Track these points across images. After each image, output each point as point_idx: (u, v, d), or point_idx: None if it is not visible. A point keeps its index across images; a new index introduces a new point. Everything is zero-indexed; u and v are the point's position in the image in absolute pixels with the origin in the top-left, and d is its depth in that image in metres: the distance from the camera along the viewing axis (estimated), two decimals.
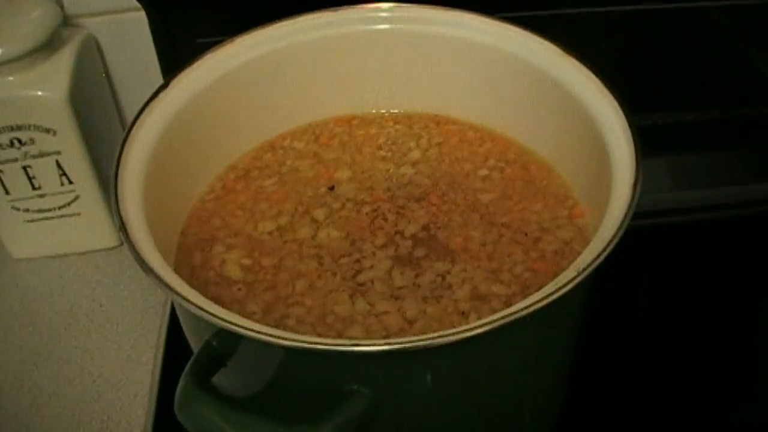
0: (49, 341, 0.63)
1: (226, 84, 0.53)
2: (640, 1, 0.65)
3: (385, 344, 0.35)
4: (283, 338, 0.36)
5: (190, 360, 0.39)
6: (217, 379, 0.39)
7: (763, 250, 0.66)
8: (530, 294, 0.45)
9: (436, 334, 0.35)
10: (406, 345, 0.35)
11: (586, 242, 0.48)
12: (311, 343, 0.36)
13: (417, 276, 0.47)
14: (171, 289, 0.38)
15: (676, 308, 0.63)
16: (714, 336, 0.61)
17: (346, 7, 0.55)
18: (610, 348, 0.58)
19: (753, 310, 0.63)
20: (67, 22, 0.65)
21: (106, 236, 0.68)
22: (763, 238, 0.67)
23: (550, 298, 0.37)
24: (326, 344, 0.36)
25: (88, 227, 0.67)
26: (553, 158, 0.53)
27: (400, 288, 0.46)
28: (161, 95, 0.50)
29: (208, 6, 0.63)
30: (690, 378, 0.58)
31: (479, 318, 0.44)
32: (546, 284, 0.45)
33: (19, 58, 0.60)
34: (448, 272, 0.47)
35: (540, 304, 0.37)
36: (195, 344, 0.44)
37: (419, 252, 0.48)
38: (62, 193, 0.65)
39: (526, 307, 0.37)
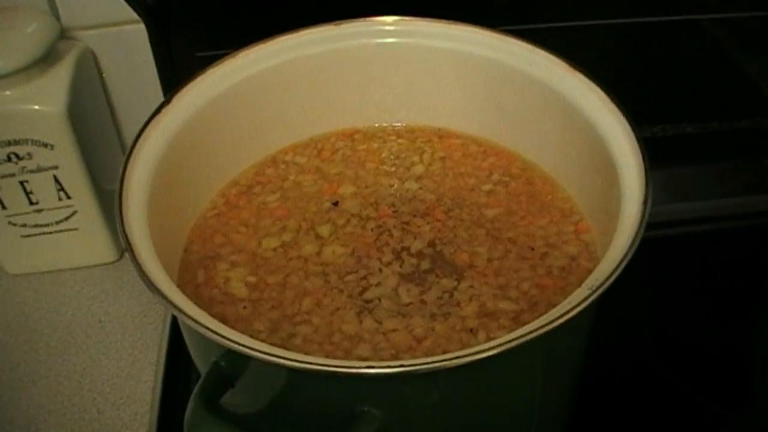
0: (47, 358, 0.62)
1: (228, 99, 0.53)
2: (638, 14, 0.65)
3: (400, 366, 0.35)
4: (295, 360, 0.35)
5: (198, 382, 0.38)
6: (225, 400, 0.39)
7: (761, 261, 0.66)
8: (538, 310, 0.45)
9: (451, 355, 0.35)
10: (421, 367, 0.35)
11: (592, 257, 0.48)
12: (324, 365, 0.35)
13: (424, 293, 0.47)
14: (180, 310, 0.38)
15: (673, 320, 0.63)
16: (712, 346, 0.61)
17: (349, 20, 0.54)
18: (610, 356, 0.58)
19: (751, 321, 0.63)
20: (63, 35, 0.64)
21: (104, 251, 0.68)
22: (762, 250, 0.67)
23: (563, 318, 0.37)
24: (340, 366, 0.35)
25: (86, 242, 0.67)
26: (558, 172, 0.53)
27: (407, 305, 0.46)
28: (164, 111, 0.49)
29: (208, 19, 0.63)
30: (688, 387, 0.58)
31: (488, 335, 0.44)
32: (554, 300, 0.46)
33: (15, 72, 0.59)
34: (456, 288, 0.47)
35: (553, 325, 0.36)
36: (201, 365, 0.43)
37: (426, 268, 0.48)
38: (60, 207, 0.64)
39: (539, 328, 0.36)
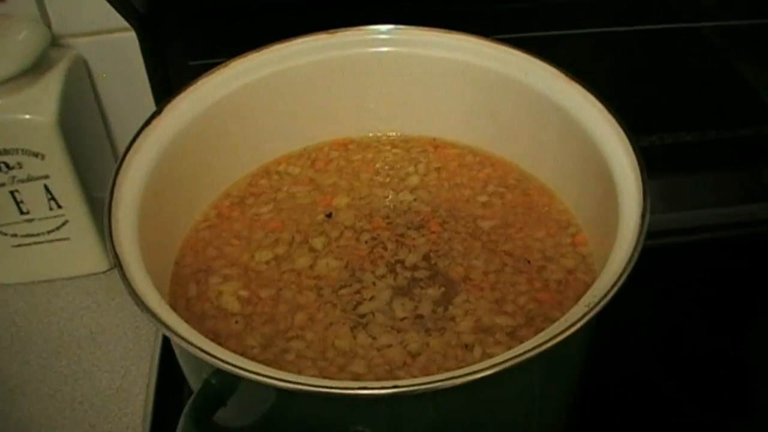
0: (38, 369, 0.61)
1: (221, 109, 0.52)
2: (636, 23, 0.65)
3: (394, 387, 0.34)
4: (287, 381, 0.35)
5: (189, 400, 0.37)
6: (217, 417, 0.38)
7: (761, 270, 0.66)
8: (535, 325, 0.45)
9: (446, 375, 0.35)
10: (415, 388, 0.34)
11: (589, 270, 0.48)
12: (316, 386, 0.35)
13: (418, 307, 0.46)
14: (170, 329, 0.37)
15: (672, 329, 0.62)
16: (710, 355, 0.60)
17: (343, 29, 0.54)
18: (607, 365, 0.57)
19: (750, 330, 0.63)
20: (55, 42, 0.63)
21: (96, 261, 0.67)
22: (761, 259, 0.67)
23: (561, 336, 0.36)
24: (332, 387, 0.35)
25: (77, 252, 0.66)
26: (555, 183, 0.53)
27: (401, 319, 0.46)
28: (155, 122, 0.49)
29: (201, 28, 0.62)
30: (688, 396, 0.57)
31: (484, 351, 0.44)
32: (551, 315, 0.45)
33: (6, 81, 0.58)
34: (451, 303, 0.46)
35: (550, 343, 0.36)
36: (193, 381, 0.43)
37: (421, 282, 0.47)
38: (51, 217, 0.63)
39: (537, 346, 0.36)
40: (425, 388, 0.34)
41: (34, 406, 0.59)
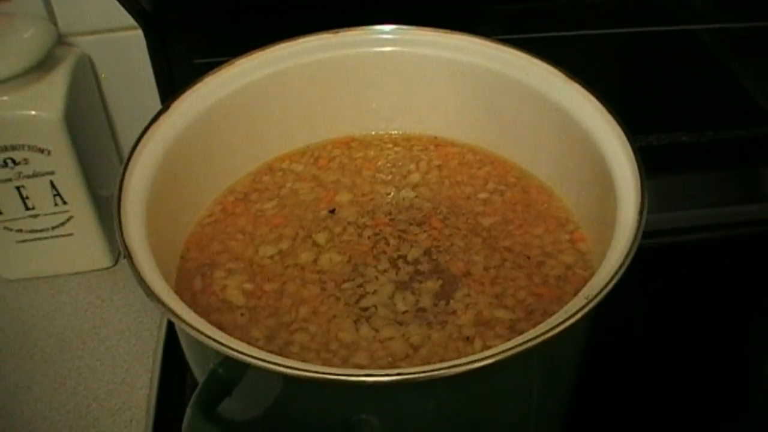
0: (42, 364, 0.62)
1: (226, 106, 0.53)
2: (634, 24, 0.66)
3: (397, 374, 0.35)
4: (294, 368, 0.36)
5: (196, 390, 0.38)
6: (222, 408, 0.39)
7: (756, 270, 0.67)
8: (534, 319, 0.46)
9: (448, 364, 0.35)
10: (419, 375, 0.35)
11: (588, 266, 0.49)
12: (322, 373, 0.35)
13: (420, 301, 0.47)
14: (179, 318, 0.38)
15: (668, 327, 0.63)
16: (706, 354, 0.61)
17: (347, 29, 0.55)
18: (604, 363, 0.58)
19: (745, 329, 0.63)
20: (61, 40, 0.64)
21: (100, 257, 0.68)
22: (756, 259, 0.67)
23: (560, 328, 0.37)
24: (338, 374, 0.35)
25: (81, 248, 0.67)
26: (554, 182, 0.54)
27: (403, 313, 0.46)
28: (161, 119, 0.49)
29: (207, 27, 0.63)
30: (683, 394, 0.58)
31: (484, 344, 0.44)
32: (550, 309, 0.46)
33: (13, 78, 0.59)
34: (452, 297, 0.47)
35: (549, 334, 0.37)
36: (199, 372, 0.44)
37: (422, 277, 0.48)
38: (56, 213, 0.64)
39: (536, 337, 0.36)
40: (428, 376, 0.35)
41: (38, 400, 0.60)
